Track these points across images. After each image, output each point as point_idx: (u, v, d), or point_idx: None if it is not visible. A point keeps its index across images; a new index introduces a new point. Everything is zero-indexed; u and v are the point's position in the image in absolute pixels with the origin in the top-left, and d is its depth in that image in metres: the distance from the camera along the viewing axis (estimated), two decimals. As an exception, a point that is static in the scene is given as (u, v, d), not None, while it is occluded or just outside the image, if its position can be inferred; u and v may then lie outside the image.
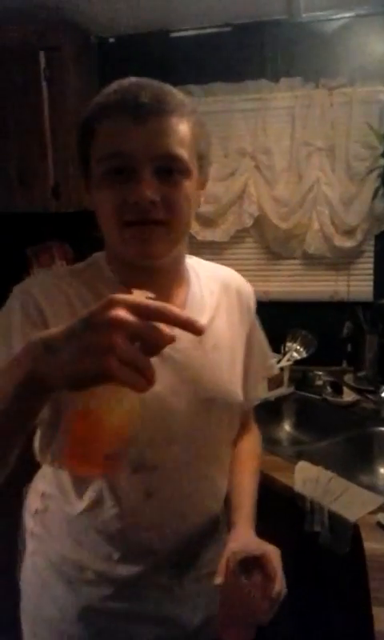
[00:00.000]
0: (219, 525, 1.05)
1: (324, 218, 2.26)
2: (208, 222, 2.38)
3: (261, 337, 1.11)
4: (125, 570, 0.94)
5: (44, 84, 2.08)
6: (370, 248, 2.32)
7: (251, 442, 1.15)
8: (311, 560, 1.43)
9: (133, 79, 0.82)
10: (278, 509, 1.40)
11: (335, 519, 1.39)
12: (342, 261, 2.34)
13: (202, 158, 0.86)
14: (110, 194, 0.80)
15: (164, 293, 0.89)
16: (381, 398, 1.99)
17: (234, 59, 2.30)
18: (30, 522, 1.05)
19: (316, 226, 2.28)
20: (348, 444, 1.79)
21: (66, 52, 2.12)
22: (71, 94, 2.15)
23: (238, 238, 2.41)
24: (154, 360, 0.60)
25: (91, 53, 2.34)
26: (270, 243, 2.38)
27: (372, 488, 1.55)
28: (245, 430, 1.13)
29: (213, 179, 2.33)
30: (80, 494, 0.93)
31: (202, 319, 0.92)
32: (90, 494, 0.92)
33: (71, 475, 0.94)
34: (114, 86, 0.82)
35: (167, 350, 0.75)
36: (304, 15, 2.20)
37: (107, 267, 0.92)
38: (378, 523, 1.30)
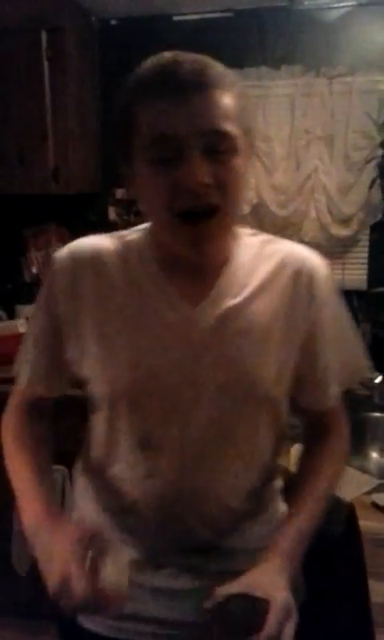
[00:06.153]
0: (244, 517, 0.94)
1: (321, 206, 2.28)
2: (206, 207, 2.38)
3: (338, 331, 0.93)
4: (133, 543, 0.92)
5: (45, 64, 2.07)
6: (365, 237, 2.35)
7: (331, 445, 0.99)
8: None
9: (168, 55, 0.76)
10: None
11: (330, 500, 1.42)
12: (337, 250, 2.37)
13: (249, 133, 0.80)
14: (158, 181, 0.75)
15: (199, 277, 0.86)
16: (374, 384, 2.03)
17: (236, 45, 2.29)
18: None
19: (313, 214, 2.30)
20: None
21: (68, 32, 2.11)
22: (73, 75, 2.15)
23: (234, 224, 2.42)
24: (171, 339, 0.84)
25: (93, 34, 2.33)
26: (266, 230, 2.38)
27: (364, 471, 1.59)
28: (325, 431, 1.00)
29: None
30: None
31: (231, 301, 0.86)
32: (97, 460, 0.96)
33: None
34: (149, 64, 0.77)
35: (185, 330, 0.85)
36: (306, 3, 2.20)
37: (149, 254, 0.87)
38: (373, 503, 1.34)
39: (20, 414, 0.99)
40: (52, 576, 0.75)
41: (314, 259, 0.92)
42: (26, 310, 2.37)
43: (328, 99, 2.22)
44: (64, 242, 2.50)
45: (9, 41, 2.07)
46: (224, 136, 0.74)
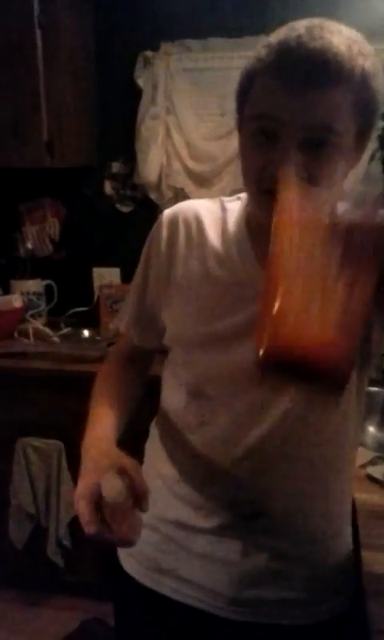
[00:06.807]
0: (296, 493, 0.95)
1: (320, 180, 2.25)
2: (203, 181, 2.35)
3: None
4: (186, 494, 0.97)
5: (38, 32, 2.01)
6: (364, 211, 2.32)
7: None
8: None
9: (301, 30, 0.72)
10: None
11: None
12: (336, 224, 2.34)
13: (366, 127, 0.77)
14: (254, 155, 0.78)
15: None
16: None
17: (235, 14, 2.24)
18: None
19: (312, 187, 2.27)
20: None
21: (61, -1, 2.05)
22: (66, 43, 2.10)
23: (233, 198, 2.39)
24: (241, 301, 0.88)
25: (87, 1, 2.27)
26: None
27: (361, 444, 1.59)
28: None
29: (208, 138, 2.30)
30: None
31: None
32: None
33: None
34: (283, 36, 0.74)
35: (254, 295, 0.85)
36: (307, -30, 2.14)
37: (242, 221, 0.93)
38: (368, 475, 1.35)
39: (116, 358, 1.11)
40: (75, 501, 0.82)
41: None
42: (20, 285, 2.36)
43: (328, 69, 2.17)
44: (59, 216, 2.51)
45: None
46: (328, 132, 0.73)
